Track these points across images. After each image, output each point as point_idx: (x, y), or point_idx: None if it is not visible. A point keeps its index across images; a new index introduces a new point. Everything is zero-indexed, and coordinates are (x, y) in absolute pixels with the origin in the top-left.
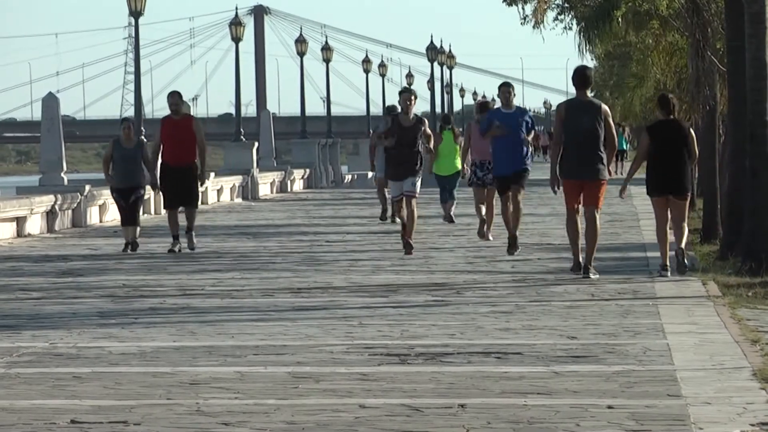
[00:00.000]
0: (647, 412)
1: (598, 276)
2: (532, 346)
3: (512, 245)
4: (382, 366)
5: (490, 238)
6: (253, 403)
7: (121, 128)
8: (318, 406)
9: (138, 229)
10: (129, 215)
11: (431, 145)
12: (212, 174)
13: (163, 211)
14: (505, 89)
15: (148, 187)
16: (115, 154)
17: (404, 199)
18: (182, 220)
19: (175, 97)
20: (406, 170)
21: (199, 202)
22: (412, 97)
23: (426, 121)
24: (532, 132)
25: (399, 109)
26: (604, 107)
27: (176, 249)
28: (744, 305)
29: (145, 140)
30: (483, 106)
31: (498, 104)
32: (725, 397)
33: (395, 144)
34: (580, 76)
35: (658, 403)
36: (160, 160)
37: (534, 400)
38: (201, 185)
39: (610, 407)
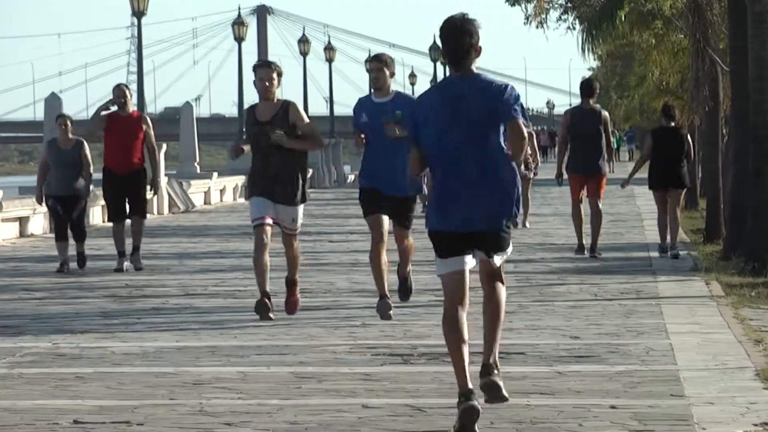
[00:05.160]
0: (650, 412)
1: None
2: (535, 346)
3: (404, 290)
4: (385, 366)
5: (527, 225)
6: (256, 403)
7: (56, 125)
8: (321, 406)
9: (84, 242)
10: (73, 229)
11: (306, 146)
12: (215, 174)
13: (166, 211)
14: (375, 64)
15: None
16: (50, 157)
17: (282, 236)
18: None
19: (122, 89)
20: (281, 193)
21: (146, 212)
22: (274, 74)
23: (296, 105)
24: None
25: None
26: (605, 114)
27: (122, 267)
28: (747, 305)
29: (84, 141)
30: None
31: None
32: (728, 397)
33: (254, 151)
34: (585, 86)
35: (661, 403)
36: (102, 166)
37: (537, 400)
38: (153, 193)
39: (613, 407)
